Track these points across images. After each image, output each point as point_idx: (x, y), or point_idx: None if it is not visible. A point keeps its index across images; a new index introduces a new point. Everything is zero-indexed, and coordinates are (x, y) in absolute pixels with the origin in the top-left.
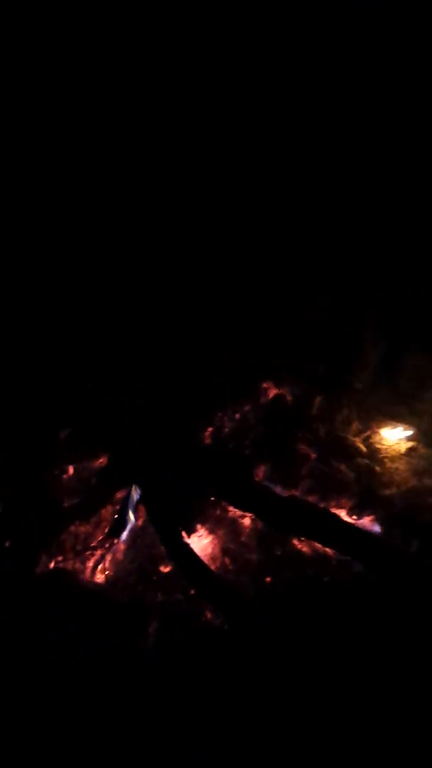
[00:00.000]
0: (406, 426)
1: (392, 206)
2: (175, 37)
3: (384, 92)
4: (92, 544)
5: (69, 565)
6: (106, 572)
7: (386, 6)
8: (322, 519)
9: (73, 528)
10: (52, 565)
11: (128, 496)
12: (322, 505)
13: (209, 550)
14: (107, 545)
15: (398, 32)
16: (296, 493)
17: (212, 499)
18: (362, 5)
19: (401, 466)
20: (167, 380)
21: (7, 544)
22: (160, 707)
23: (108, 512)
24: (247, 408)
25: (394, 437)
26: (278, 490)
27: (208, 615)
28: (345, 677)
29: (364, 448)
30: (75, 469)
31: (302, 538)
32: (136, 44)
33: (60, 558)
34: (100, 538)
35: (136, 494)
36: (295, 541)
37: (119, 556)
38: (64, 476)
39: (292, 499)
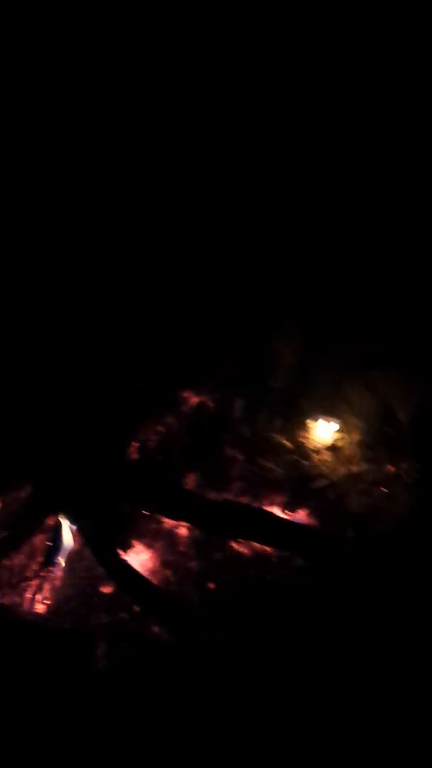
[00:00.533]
0: (329, 418)
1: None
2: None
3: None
4: (27, 575)
5: (6, 600)
6: (46, 601)
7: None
8: (257, 518)
9: (6, 562)
10: None
11: (59, 522)
12: (255, 504)
13: (149, 564)
14: (43, 574)
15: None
16: (229, 496)
17: (146, 513)
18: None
19: (328, 457)
20: (85, 401)
21: None
22: (111, 728)
23: (41, 540)
24: (170, 420)
25: (319, 431)
26: (211, 495)
27: (155, 629)
28: (290, 674)
29: (290, 445)
30: (3, 502)
31: (240, 540)
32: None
33: None
34: (35, 567)
35: (67, 519)
36: (234, 544)
37: (57, 583)
38: None
39: (224, 502)
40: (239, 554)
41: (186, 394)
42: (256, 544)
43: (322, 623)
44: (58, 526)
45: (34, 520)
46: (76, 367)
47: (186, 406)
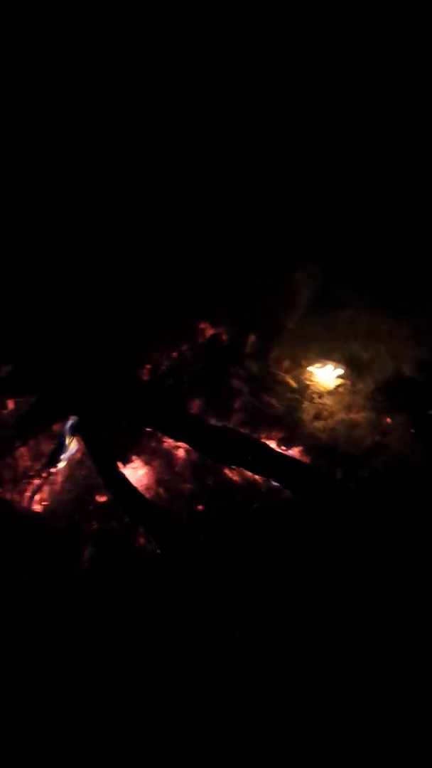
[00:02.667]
0: (337, 364)
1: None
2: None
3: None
4: (30, 474)
5: (6, 495)
6: (44, 502)
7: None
8: (253, 448)
9: (10, 460)
10: None
11: (65, 428)
12: (253, 436)
13: (144, 480)
14: (44, 475)
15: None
16: (229, 425)
17: (148, 430)
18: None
19: (329, 401)
20: (107, 319)
21: None
22: (90, 625)
23: (47, 447)
24: (184, 347)
25: (325, 375)
26: (212, 422)
27: (141, 540)
28: (272, 599)
29: (294, 384)
30: (16, 404)
31: (233, 467)
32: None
33: None
34: (38, 469)
35: (74, 426)
36: (227, 471)
37: (57, 487)
38: (4, 411)
39: (224, 429)
40: (231, 481)
41: (203, 325)
42: (248, 473)
43: (301, 556)
44: (63, 433)
45: (41, 423)
46: (104, 287)
47: (201, 336)
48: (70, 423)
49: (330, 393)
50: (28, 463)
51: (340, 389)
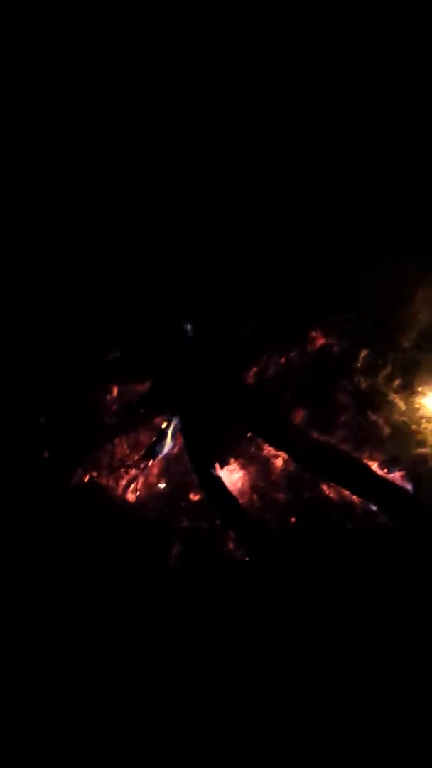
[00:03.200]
0: None
1: None
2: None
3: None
4: (127, 463)
5: (102, 480)
6: (137, 492)
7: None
8: (354, 468)
9: (109, 447)
10: (86, 479)
11: (168, 423)
12: (355, 455)
13: (239, 484)
14: (141, 467)
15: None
16: (331, 440)
17: (248, 435)
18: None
19: None
20: (219, 319)
21: (45, 455)
22: (171, 627)
23: (146, 437)
24: (293, 354)
25: None
26: (314, 435)
27: (231, 545)
28: (358, 624)
29: (403, 406)
30: (119, 391)
31: (331, 484)
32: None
33: (95, 473)
34: (136, 459)
35: (175, 422)
36: (324, 486)
37: (151, 479)
38: (108, 396)
39: (326, 444)
40: (327, 497)
41: (314, 334)
42: (346, 492)
43: (391, 585)
44: (165, 427)
45: (144, 414)
46: (214, 289)
47: (311, 345)
48: (172, 418)
49: None
50: (127, 452)
51: None
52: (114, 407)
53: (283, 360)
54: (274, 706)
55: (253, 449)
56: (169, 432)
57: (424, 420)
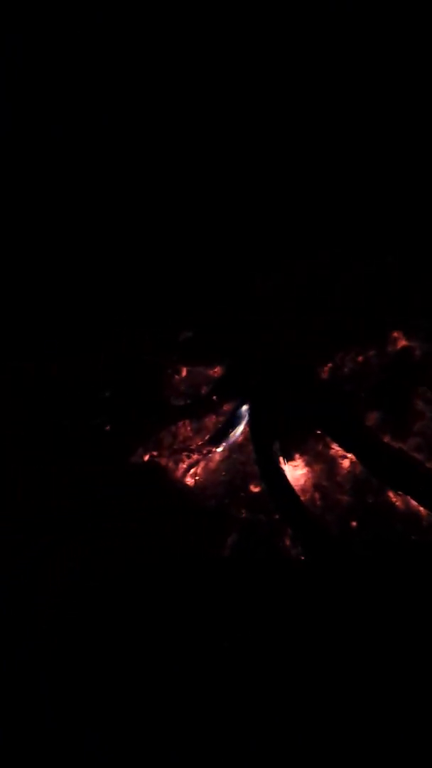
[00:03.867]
0: None
1: None
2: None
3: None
4: (190, 447)
5: (162, 462)
6: (197, 477)
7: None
8: (424, 478)
9: (173, 428)
10: (146, 457)
11: (236, 411)
12: (427, 465)
13: (301, 481)
14: (204, 452)
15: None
16: (403, 446)
17: (317, 432)
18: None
19: None
20: (298, 312)
21: (107, 428)
22: (220, 617)
23: (211, 422)
24: (371, 353)
25: None
26: (386, 440)
27: (287, 542)
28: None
29: None
30: (188, 373)
31: (399, 492)
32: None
33: (155, 453)
34: (199, 443)
35: (244, 410)
36: (390, 494)
37: (212, 465)
38: (176, 377)
39: (399, 451)
40: (392, 505)
41: (396, 335)
42: (413, 503)
43: None
44: (233, 415)
45: (215, 400)
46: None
47: (392, 346)
48: (242, 406)
49: None
50: (190, 435)
51: None
52: (181, 388)
53: (360, 359)
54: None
55: (320, 447)
56: (236, 419)
57: None
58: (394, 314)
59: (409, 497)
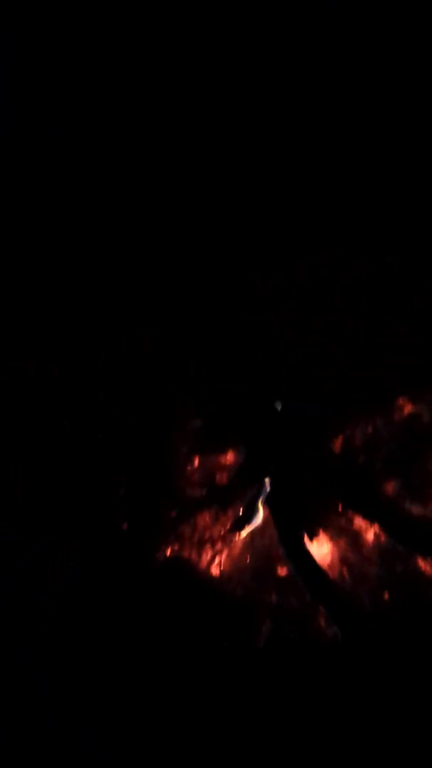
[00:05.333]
0: None
1: None
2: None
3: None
4: (213, 537)
5: (185, 554)
6: (221, 567)
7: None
8: None
9: (191, 519)
10: (168, 552)
11: (256, 494)
12: None
13: (328, 558)
14: (227, 540)
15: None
16: (425, 512)
17: (338, 508)
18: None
19: None
20: (304, 390)
21: (125, 527)
22: (268, 710)
23: (230, 507)
24: (379, 422)
25: None
26: (406, 507)
27: (322, 623)
28: None
29: None
30: (200, 461)
31: (427, 558)
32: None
33: (176, 547)
34: (222, 532)
35: (263, 493)
36: (420, 562)
37: (235, 552)
38: (189, 467)
39: (423, 517)
40: (422, 573)
41: (401, 402)
42: None
43: None
44: (253, 498)
45: (236, 487)
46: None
47: (399, 413)
48: (260, 490)
49: None
50: (209, 523)
51: None
52: (195, 478)
53: (370, 430)
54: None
55: (342, 522)
56: (258, 503)
57: None
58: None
59: None
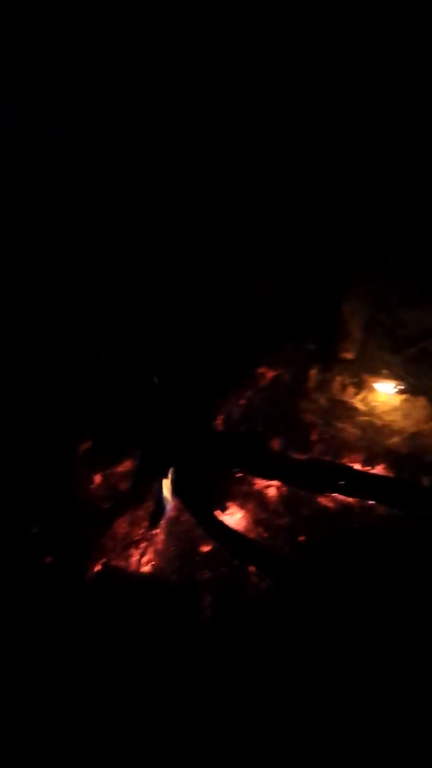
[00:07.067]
0: (397, 381)
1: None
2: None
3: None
4: (135, 540)
5: (114, 563)
6: (151, 563)
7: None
8: (340, 473)
9: (110, 530)
10: (98, 567)
11: (159, 490)
12: (336, 462)
13: (243, 523)
14: (149, 538)
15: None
16: (313, 456)
17: (238, 476)
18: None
19: (397, 417)
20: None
21: (48, 561)
22: (220, 672)
23: (141, 509)
24: (249, 393)
25: (387, 391)
26: (295, 457)
27: (254, 580)
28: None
29: (363, 407)
30: (102, 476)
31: (326, 494)
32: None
33: (104, 559)
34: (141, 532)
35: (167, 484)
36: (320, 499)
37: (159, 546)
38: (91, 486)
39: (310, 460)
40: (326, 508)
41: (262, 370)
42: (341, 498)
43: (407, 568)
44: (157, 494)
45: (137, 490)
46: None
47: (263, 380)
48: (164, 483)
49: (396, 409)
50: (126, 528)
51: (405, 403)
52: (101, 493)
53: (242, 401)
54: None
55: (245, 487)
56: (162, 497)
57: (384, 414)
58: (252, 351)
59: (335, 494)
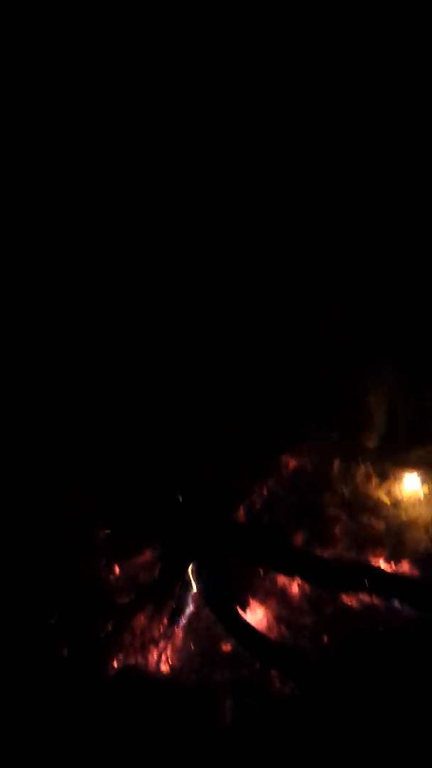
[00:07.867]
0: (420, 472)
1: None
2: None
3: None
4: (154, 637)
5: (131, 661)
6: (170, 661)
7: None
8: (364, 572)
9: (129, 625)
10: (115, 664)
11: (180, 584)
12: (360, 558)
13: (264, 621)
14: (168, 635)
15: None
16: (335, 552)
17: (260, 573)
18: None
19: (423, 510)
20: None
21: (64, 653)
22: None
23: (161, 603)
24: (271, 483)
25: (412, 484)
26: (318, 552)
27: (277, 684)
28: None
29: (387, 500)
30: (120, 568)
31: (350, 593)
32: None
33: (121, 656)
34: (161, 630)
35: (188, 581)
36: (344, 598)
37: (178, 643)
38: (111, 576)
39: (333, 558)
40: (349, 607)
41: (285, 459)
42: (365, 597)
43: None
44: (181, 589)
45: (159, 585)
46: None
47: (286, 470)
48: (185, 578)
49: (420, 501)
50: (145, 623)
51: (429, 496)
52: (120, 584)
53: (265, 491)
54: None
55: (267, 584)
56: (182, 592)
57: (409, 507)
58: (275, 442)
59: (359, 594)
